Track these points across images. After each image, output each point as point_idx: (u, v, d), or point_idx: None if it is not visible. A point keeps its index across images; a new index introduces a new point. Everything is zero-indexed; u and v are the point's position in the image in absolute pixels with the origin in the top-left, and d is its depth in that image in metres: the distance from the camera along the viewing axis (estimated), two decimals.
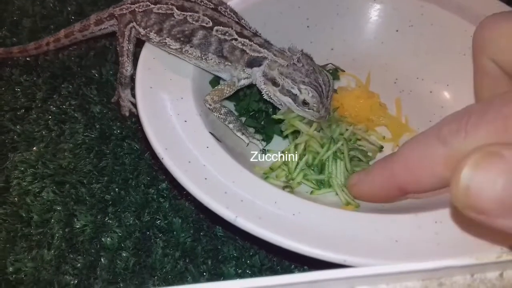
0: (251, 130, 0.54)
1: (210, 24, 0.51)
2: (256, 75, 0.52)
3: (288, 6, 0.62)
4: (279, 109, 0.53)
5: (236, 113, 0.55)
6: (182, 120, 0.47)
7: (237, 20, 0.53)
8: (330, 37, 0.63)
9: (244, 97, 0.56)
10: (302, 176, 0.50)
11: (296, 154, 0.50)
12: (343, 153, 0.50)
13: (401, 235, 0.39)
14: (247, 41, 0.51)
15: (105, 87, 0.62)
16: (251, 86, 0.56)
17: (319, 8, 0.63)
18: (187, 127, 0.46)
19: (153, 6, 0.53)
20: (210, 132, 0.47)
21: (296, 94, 0.49)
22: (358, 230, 0.40)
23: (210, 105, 0.51)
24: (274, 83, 0.50)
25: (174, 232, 0.49)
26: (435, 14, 0.61)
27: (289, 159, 0.50)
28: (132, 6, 0.55)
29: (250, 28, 0.53)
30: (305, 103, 0.49)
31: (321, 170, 0.50)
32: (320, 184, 0.50)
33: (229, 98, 0.56)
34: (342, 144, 0.50)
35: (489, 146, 0.31)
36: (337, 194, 0.49)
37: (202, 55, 0.52)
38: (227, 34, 0.51)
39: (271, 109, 0.55)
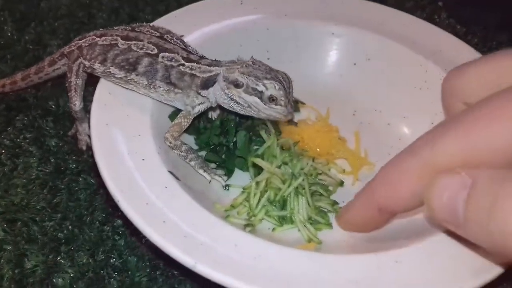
0: (213, 166, 0.53)
1: (155, 51, 0.51)
2: (215, 93, 0.51)
3: (247, 39, 0.62)
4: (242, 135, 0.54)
5: (196, 147, 0.55)
6: (140, 159, 0.46)
7: (183, 47, 0.53)
8: (290, 69, 0.62)
9: (204, 131, 0.56)
10: (264, 212, 0.50)
11: (257, 191, 0.50)
12: (304, 188, 0.50)
13: (362, 276, 0.39)
14: (195, 64, 0.51)
15: (62, 119, 0.61)
16: (211, 120, 0.56)
17: (278, 41, 0.63)
18: (145, 166, 0.45)
19: (98, 39, 0.53)
20: (169, 171, 0.46)
21: (262, 91, 0.48)
22: (319, 272, 0.39)
23: (170, 142, 0.50)
24: (237, 84, 0.49)
25: (129, 272, 0.47)
26: (392, 49, 0.62)
27: (250, 196, 0.50)
28: (79, 42, 0.54)
29: (197, 53, 0.53)
30: (272, 99, 0.49)
31: (283, 206, 0.50)
32: (282, 220, 0.50)
33: (189, 132, 0.55)
34: (303, 180, 0.50)
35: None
36: (299, 230, 0.49)
37: (150, 83, 0.51)
38: (173, 60, 0.51)
39: (232, 143, 0.55)
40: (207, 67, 0.51)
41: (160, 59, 0.51)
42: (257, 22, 0.63)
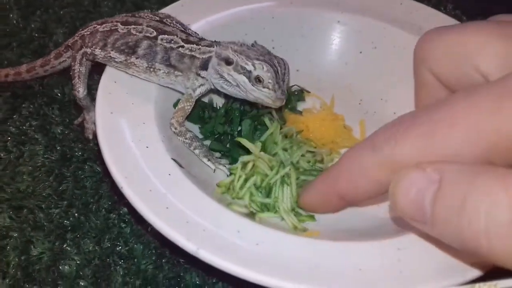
0: (217, 155, 0.53)
1: (154, 34, 0.51)
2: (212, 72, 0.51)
3: (253, 27, 0.62)
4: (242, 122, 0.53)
5: (201, 136, 0.55)
6: (144, 147, 0.46)
7: (182, 29, 0.53)
8: (296, 58, 0.63)
9: (209, 120, 0.56)
10: (248, 196, 0.49)
11: (243, 174, 0.50)
12: (290, 177, 0.50)
13: (365, 263, 0.39)
14: (194, 46, 0.51)
15: (68, 107, 0.61)
16: (216, 109, 0.56)
17: (283, 30, 0.63)
18: (149, 153, 0.45)
19: (99, 26, 0.53)
20: (173, 159, 0.46)
21: (250, 71, 0.48)
22: (323, 259, 0.39)
23: (175, 128, 0.50)
24: (228, 62, 0.49)
25: (135, 259, 0.48)
26: (398, 36, 0.62)
27: (235, 178, 0.50)
28: (81, 32, 0.55)
29: (196, 35, 0.53)
30: (258, 80, 0.48)
31: (268, 194, 0.50)
32: (264, 207, 0.49)
33: (194, 121, 0.55)
34: (290, 169, 0.50)
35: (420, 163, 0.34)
36: (283, 219, 0.48)
37: (150, 66, 0.51)
38: (172, 42, 0.51)
39: (236, 132, 0.54)
40: (207, 48, 0.51)
41: (159, 41, 0.51)
42: (263, 11, 0.63)
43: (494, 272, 0.38)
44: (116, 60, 0.52)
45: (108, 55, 0.52)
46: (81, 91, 0.55)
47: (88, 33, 0.54)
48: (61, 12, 0.73)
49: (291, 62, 0.62)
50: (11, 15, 0.71)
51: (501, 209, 0.29)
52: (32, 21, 0.71)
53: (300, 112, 0.59)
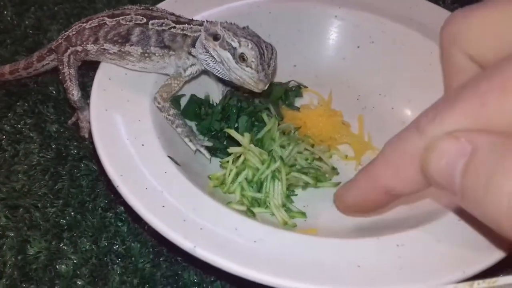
0: (201, 137, 0.53)
1: (144, 20, 0.51)
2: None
3: (250, 22, 0.61)
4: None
5: (197, 133, 0.54)
6: (139, 144, 0.45)
7: (170, 13, 0.53)
8: (293, 53, 0.63)
9: (205, 117, 0.55)
10: (240, 190, 0.49)
11: (233, 167, 0.50)
12: (281, 171, 0.49)
13: (364, 260, 0.39)
14: (186, 25, 0.51)
15: (62, 105, 0.60)
16: (213, 106, 0.56)
17: (280, 25, 0.62)
18: (144, 151, 0.45)
19: (84, 24, 0.53)
20: (169, 156, 0.45)
21: (236, 47, 0.47)
22: (322, 256, 0.39)
23: (159, 103, 0.50)
24: (215, 37, 0.49)
25: (133, 258, 0.47)
26: (396, 31, 0.61)
27: (226, 172, 0.50)
28: (65, 33, 0.54)
29: (185, 17, 0.53)
30: (243, 58, 0.47)
31: (259, 189, 0.50)
32: (255, 202, 0.49)
33: (190, 118, 0.54)
34: (280, 163, 0.49)
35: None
36: (273, 214, 0.48)
37: (144, 51, 0.51)
38: (163, 24, 0.51)
39: (233, 129, 0.54)
40: (198, 26, 0.51)
41: (150, 26, 0.51)
42: (260, 6, 0.62)
43: (493, 269, 0.38)
44: (110, 51, 0.52)
45: (102, 47, 0.52)
46: (75, 93, 0.55)
47: (74, 32, 0.54)
48: (56, 9, 0.72)
49: (288, 58, 0.62)
50: (5, 12, 0.71)
51: None
52: (26, 18, 0.70)
53: (298, 108, 0.59)
